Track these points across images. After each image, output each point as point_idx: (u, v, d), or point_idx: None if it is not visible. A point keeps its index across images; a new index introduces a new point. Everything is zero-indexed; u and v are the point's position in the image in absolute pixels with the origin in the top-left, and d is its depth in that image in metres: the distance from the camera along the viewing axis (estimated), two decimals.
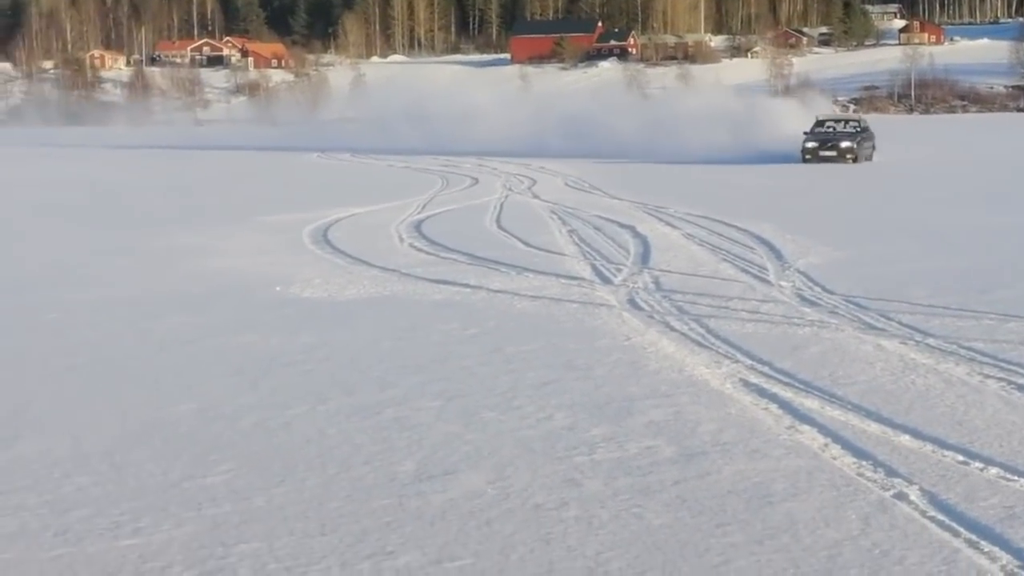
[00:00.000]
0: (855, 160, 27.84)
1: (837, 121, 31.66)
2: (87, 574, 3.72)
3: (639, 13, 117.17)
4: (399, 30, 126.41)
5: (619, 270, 10.97)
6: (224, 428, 5.67)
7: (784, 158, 28.16)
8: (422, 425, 5.58)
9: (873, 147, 29.63)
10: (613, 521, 4.07)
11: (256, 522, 4.17)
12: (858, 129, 30.08)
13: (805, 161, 27.72)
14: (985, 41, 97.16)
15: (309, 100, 79.46)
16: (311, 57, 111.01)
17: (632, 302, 9.12)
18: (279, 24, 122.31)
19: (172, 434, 5.55)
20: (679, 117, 36.35)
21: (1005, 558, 3.49)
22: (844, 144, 27.97)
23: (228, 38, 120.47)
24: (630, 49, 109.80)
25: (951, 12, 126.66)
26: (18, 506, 4.42)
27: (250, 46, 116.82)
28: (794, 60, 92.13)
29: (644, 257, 11.91)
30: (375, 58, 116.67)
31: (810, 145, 28.10)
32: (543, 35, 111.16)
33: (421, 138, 39.58)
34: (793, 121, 32.19)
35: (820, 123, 30.30)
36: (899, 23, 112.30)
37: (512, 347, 7.49)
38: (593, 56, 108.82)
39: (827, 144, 28.05)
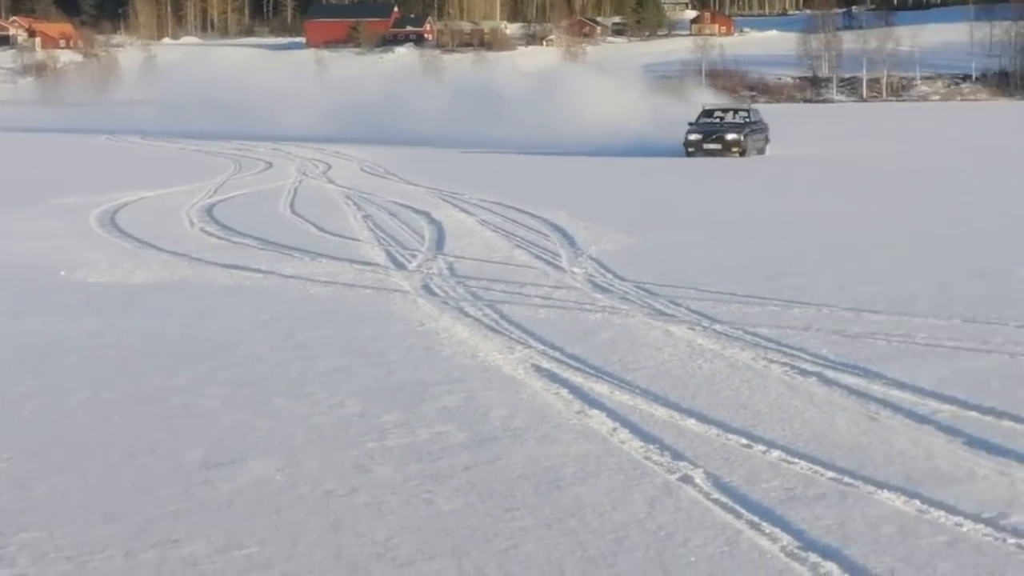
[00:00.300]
0: (743, 153, 25.55)
1: (726, 111, 29.09)
2: None
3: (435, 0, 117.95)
4: (191, 11, 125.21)
5: (414, 256, 11.05)
6: (4, 415, 5.51)
7: (667, 151, 26.05)
8: (210, 412, 5.50)
9: (766, 140, 27.25)
10: (403, 507, 4.04)
11: (36, 511, 4.06)
12: (747, 120, 27.41)
13: (688, 154, 25.50)
14: (774, 33, 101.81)
15: (98, 81, 75.22)
16: (101, 38, 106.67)
17: (426, 288, 9.16)
18: (68, 4, 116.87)
19: None
20: (511, 102, 35.98)
21: (785, 539, 3.62)
22: (730, 136, 25.80)
23: (14, 18, 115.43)
24: (426, 35, 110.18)
25: (741, 4, 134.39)
26: None
27: (37, 26, 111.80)
28: (588, 49, 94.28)
29: (439, 243, 12.01)
30: (167, 40, 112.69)
31: (693, 137, 25.76)
32: (339, 19, 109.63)
33: (213, 121, 38.64)
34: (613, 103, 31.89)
35: (707, 113, 28.10)
36: (691, 14, 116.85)
37: (304, 333, 7.44)
38: (389, 41, 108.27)
39: (712, 136, 25.88)
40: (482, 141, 30.76)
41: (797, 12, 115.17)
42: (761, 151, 26.63)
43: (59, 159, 29.18)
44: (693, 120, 26.97)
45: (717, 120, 27.51)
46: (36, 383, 6.17)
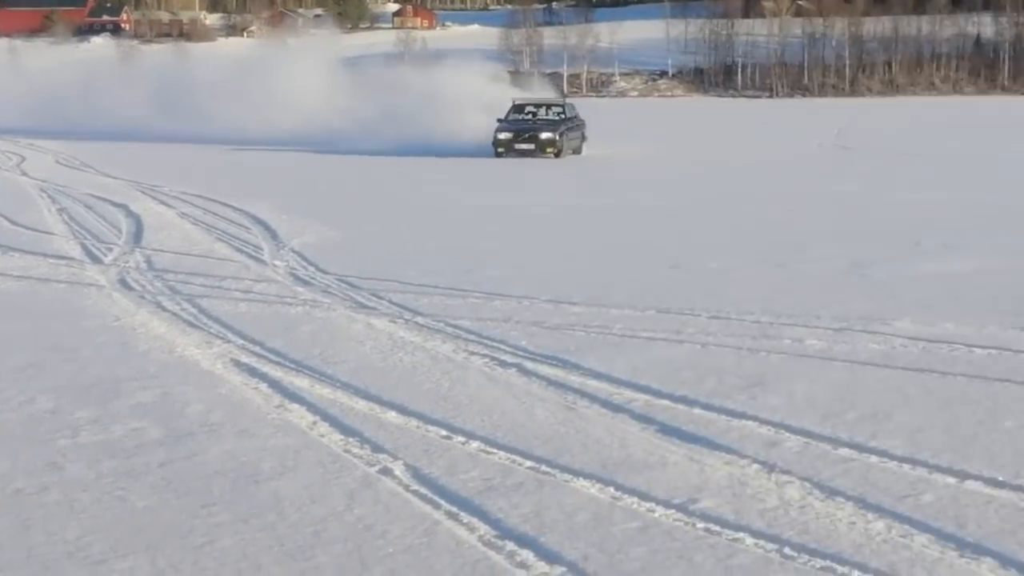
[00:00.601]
0: (558, 154, 23.70)
1: (538, 106, 26.12)
2: None
3: None
4: None
5: (110, 250, 10.84)
6: None
7: (462, 151, 24.05)
8: None
9: (583, 138, 25.42)
10: (95, 504, 3.91)
11: None
12: (562, 116, 25.27)
13: (498, 155, 23.51)
14: (476, 27, 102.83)
15: None
16: None
17: (123, 282, 8.93)
18: None
19: None
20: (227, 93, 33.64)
21: (483, 528, 3.62)
22: (544, 135, 23.80)
23: None
24: (124, 25, 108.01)
25: None
26: None
27: None
28: (290, 41, 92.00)
29: (136, 236, 11.73)
30: None
31: (503, 136, 23.70)
32: (32, 8, 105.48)
33: None
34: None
35: (518, 108, 25.46)
36: (393, 7, 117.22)
37: None
38: (85, 31, 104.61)
39: (524, 135, 23.79)
40: (182, 133, 29.57)
41: (498, 7, 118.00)
42: (577, 151, 24.87)
43: None
44: (502, 116, 24.72)
45: (529, 116, 25.10)
46: None
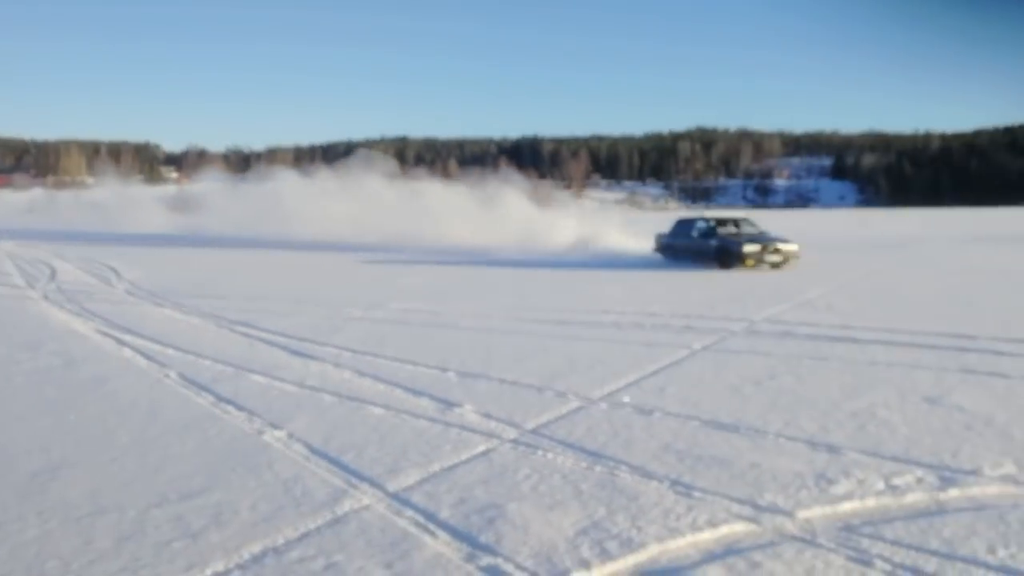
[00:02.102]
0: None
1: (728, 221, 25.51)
2: None
3: None
4: None
5: None
6: None
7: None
8: None
9: None
10: (28, 396, 8.28)
11: None
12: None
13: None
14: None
15: None
16: None
17: None
18: None
19: None
20: None
21: (210, 398, 8.59)
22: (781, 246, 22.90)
23: None
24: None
25: None
26: None
27: None
28: None
29: None
30: None
31: (750, 249, 22.58)
32: None
33: None
34: None
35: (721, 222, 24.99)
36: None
37: None
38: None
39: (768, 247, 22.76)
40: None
41: None
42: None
43: None
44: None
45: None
46: None
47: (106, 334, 11.64)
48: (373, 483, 5.63)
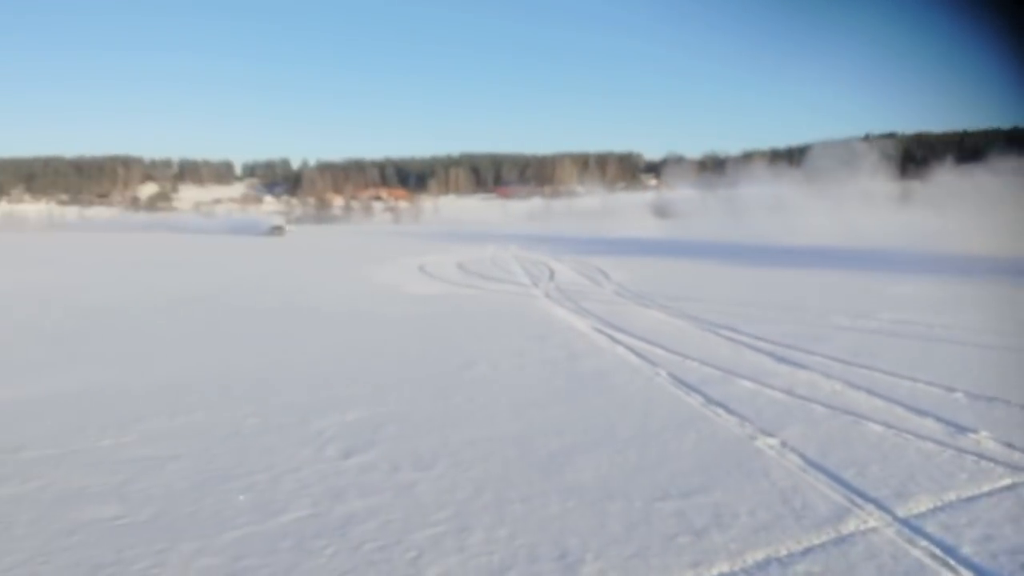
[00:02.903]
0: None
1: None
2: None
3: None
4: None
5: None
6: (374, 346, 10.84)
7: None
8: (461, 345, 10.90)
9: None
10: (540, 384, 9.24)
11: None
12: None
13: None
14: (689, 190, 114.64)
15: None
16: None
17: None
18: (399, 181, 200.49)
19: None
20: None
21: (699, 398, 8.77)
22: None
23: (382, 189, 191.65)
24: None
25: None
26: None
27: (392, 192, 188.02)
28: None
29: None
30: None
31: None
32: None
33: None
34: None
35: None
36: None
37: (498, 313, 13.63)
38: None
39: None
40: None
41: None
42: None
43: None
44: None
45: None
46: (393, 331, 12.79)
47: (600, 331, 12.53)
48: (879, 505, 5.29)
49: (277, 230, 67.12)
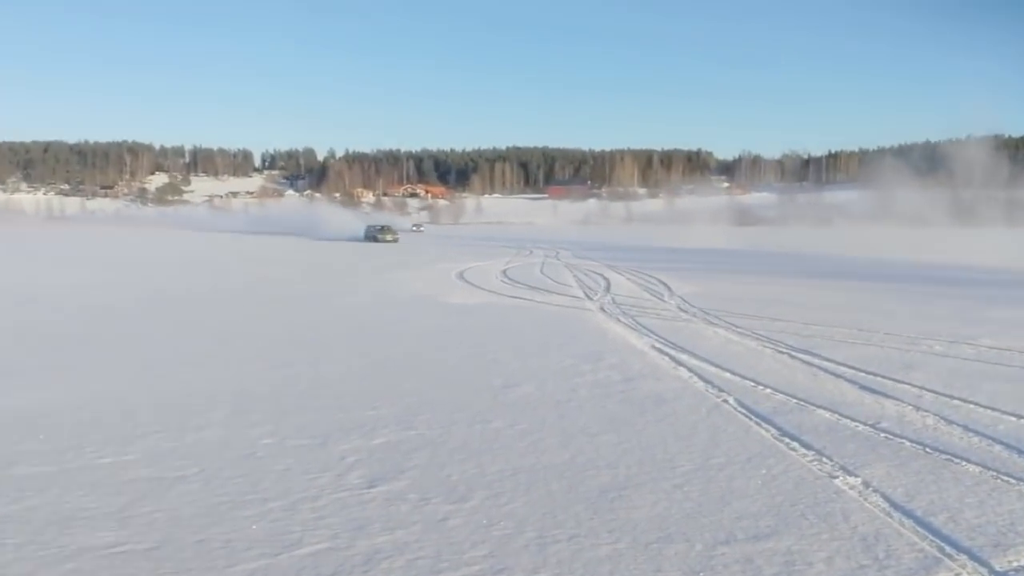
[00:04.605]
0: None
1: None
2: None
3: None
4: (499, 179, 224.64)
5: None
6: (413, 358, 11.27)
7: None
8: (503, 362, 11.59)
9: None
10: (592, 409, 9.30)
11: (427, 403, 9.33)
12: None
13: None
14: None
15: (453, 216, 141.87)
16: (456, 194, 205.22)
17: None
18: (442, 177, 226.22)
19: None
20: None
21: (773, 431, 8.53)
22: None
23: (419, 184, 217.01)
24: None
25: None
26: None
27: (430, 188, 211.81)
28: None
29: None
30: (486, 196, 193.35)
31: None
32: None
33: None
34: None
35: None
36: None
37: (546, 325, 15.25)
38: None
39: None
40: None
41: None
42: None
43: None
44: None
45: None
46: (427, 344, 13.49)
47: (661, 351, 12.53)
48: (973, 556, 5.24)
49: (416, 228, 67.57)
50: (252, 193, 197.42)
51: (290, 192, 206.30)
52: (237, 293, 22.53)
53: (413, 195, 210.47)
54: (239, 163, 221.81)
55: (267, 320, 16.63)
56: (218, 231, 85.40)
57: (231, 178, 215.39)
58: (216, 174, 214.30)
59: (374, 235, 63.89)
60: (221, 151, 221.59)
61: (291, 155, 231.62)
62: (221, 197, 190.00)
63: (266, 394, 9.80)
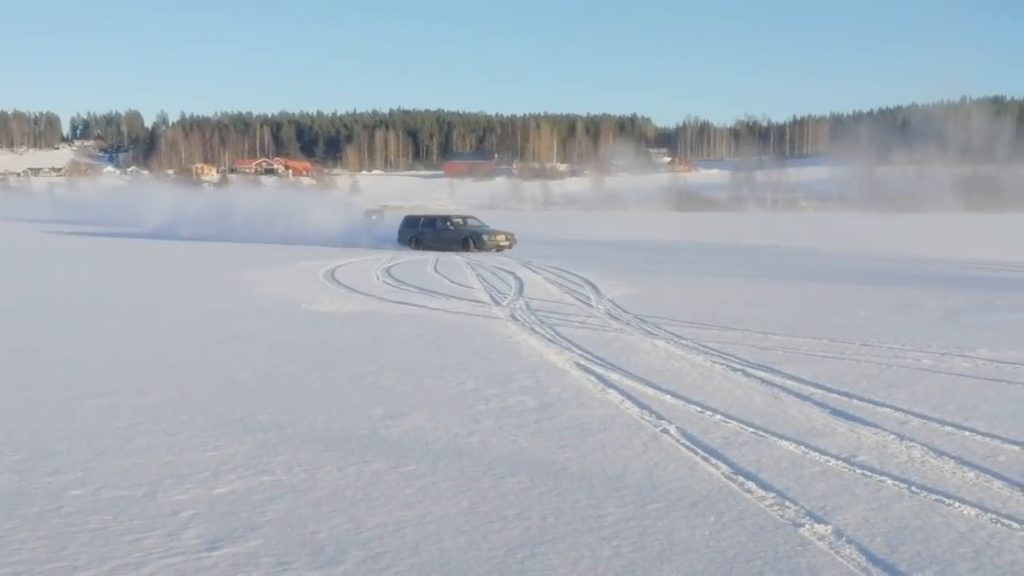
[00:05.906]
0: None
1: None
2: None
3: None
4: (379, 154, 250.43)
5: None
6: (266, 385, 11.87)
7: None
8: (387, 387, 11.52)
9: None
10: (499, 444, 9.26)
11: (289, 438, 9.17)
12: None
13: None
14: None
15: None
16: (326, 170, 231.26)
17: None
18: (307, 149, 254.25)
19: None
20: None
21: (724, 468, 8.51)
22: None
23: (277, 157, 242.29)
24: None
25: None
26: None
27: (290, 163, 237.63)
28: None
29: None
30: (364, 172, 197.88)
31: None
32: None
33: None
34: None
35: None
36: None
37: (440, 341, 14.84)
38: None
39: None
40: None
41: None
42: None
43: None
44: None
45: None
46: (288, 368, 13.13)
47: (586, 369, 12.61)
48: None
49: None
50: (59, 170, 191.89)
51: (109, 168, 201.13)
52: (35, 302, 21.93)
53: (269, 171, 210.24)
54: (42, 131, 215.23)
55: (77, 336, 16.22)
56: (11, 220, 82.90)
57: (32, 150, 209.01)
58: (12, 145, 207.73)
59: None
60: (17, 115, 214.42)
61: (110, 120, 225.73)
62: (18, 175, 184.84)
63: (75, 431, 9.53)
